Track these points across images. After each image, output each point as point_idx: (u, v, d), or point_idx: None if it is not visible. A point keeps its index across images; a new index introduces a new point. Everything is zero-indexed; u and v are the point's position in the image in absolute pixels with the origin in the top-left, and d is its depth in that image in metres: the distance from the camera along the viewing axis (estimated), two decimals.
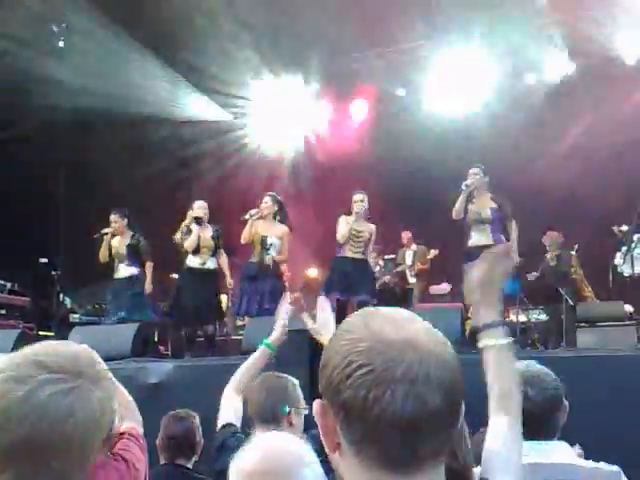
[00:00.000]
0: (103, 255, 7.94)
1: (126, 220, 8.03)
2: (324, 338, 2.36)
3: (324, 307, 2.33)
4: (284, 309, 2.94)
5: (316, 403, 0.96)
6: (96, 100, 10.77)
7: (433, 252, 10.40)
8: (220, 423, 2.71)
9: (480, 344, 1.60)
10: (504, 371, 1.57)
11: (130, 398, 2.84)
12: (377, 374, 0.88)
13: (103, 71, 11.00)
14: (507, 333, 1.60)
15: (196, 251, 7.63)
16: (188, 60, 11.35)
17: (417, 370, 0.88)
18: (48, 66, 10.45)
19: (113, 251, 7.97)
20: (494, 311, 1.61)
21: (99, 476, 2.10)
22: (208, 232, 7.72)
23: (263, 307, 7.21)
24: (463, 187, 7.03)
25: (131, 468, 2.29)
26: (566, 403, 2.31)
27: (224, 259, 7.87)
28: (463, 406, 0.96)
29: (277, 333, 2.85)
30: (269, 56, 11.33)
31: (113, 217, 7.96)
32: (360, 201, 7.50)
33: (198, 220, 7.65)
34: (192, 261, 7.67)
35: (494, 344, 1.58)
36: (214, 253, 7.72)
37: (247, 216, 7.40)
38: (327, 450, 0.96)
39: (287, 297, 2.98)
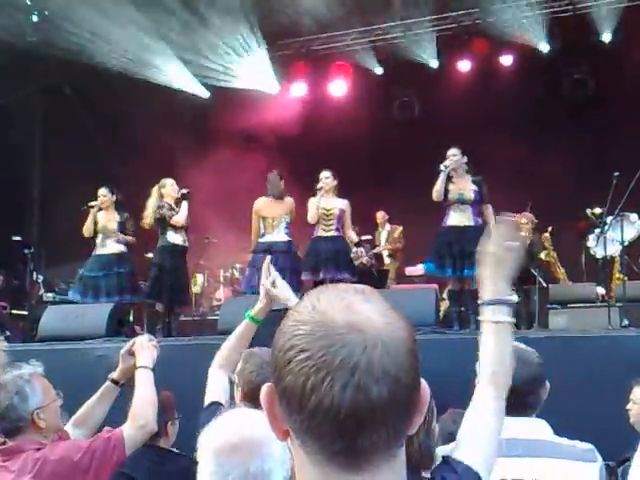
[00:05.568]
0: (88, 229, 7.76)
1: (114, 197, 7.94)
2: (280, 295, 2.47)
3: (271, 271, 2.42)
4: (268, 277, 2.66)
5: (265, 386, 0.89)
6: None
7: (398, 229, 10.32)
8: (207, 401, 2.59)
9: (483, 317, 1.58)
10: (503, 349, 1.56)
11: (149, 399, 2.73)
12: (315, 360, 0.81)
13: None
14: (513, 312, 1.59)
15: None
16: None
17: (359, 357, 0.81)
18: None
19: (99, 226, 7.81)
20: (505, 287, 1.59)
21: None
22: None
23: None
24: (442, 168, 6.90)
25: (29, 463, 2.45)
26: (548, 384, 2.35)
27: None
28: (426, 393, 0.89)
29: (260, 304, 2.65)
30: None
31: (102, 191, 7.86)
32: (325, 178, 7.45)
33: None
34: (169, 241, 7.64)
35: (501, 320, 1.56)
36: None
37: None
38: (277, 437, 0.89)
39: (269, 268, 2.66)
